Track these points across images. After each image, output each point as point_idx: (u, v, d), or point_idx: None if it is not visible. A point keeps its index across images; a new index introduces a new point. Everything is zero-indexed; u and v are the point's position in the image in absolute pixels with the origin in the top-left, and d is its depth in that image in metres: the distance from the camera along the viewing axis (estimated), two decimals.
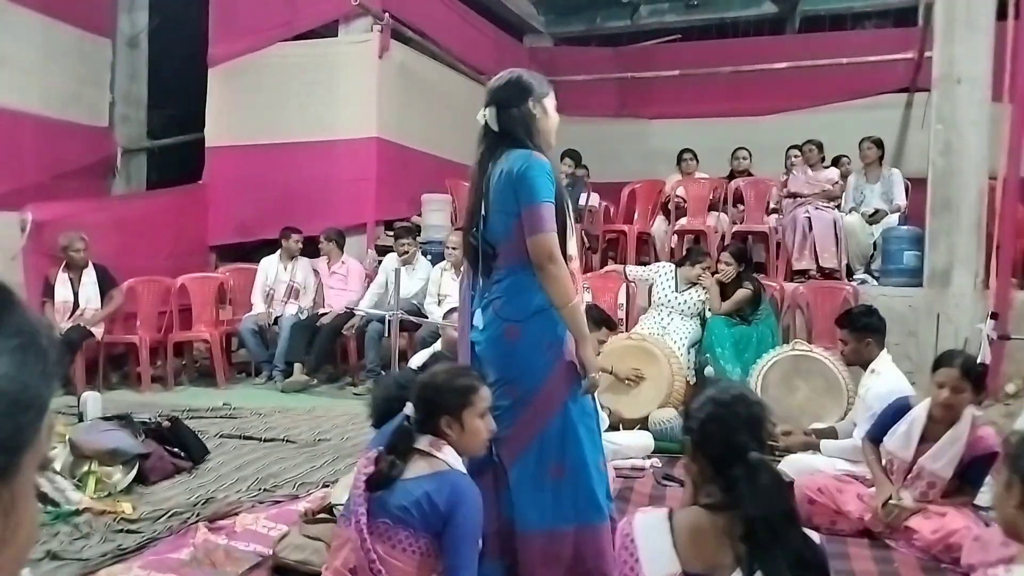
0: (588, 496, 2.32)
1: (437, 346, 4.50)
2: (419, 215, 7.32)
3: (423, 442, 2.10)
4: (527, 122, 2.35)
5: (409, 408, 2.14)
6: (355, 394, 5.77)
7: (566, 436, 2.30)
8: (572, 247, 2.38)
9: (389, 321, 4.13)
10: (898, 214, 6.27)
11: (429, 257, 6.44)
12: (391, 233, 6.75)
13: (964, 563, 2.71)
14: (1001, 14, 5.26)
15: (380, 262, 6.51)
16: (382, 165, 7.16)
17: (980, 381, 3.17)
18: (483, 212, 2.36)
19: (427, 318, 5.56)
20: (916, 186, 6.35)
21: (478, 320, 2.39)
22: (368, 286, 6.33)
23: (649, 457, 4.28)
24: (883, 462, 3.23)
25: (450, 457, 2.09)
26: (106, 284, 5.86)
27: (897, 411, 3.22)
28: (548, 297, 2.25)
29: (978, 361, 3.45)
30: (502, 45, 9.39)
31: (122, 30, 8.01)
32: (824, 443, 3.76)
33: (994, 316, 4.46)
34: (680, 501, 2.18)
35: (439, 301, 5.79)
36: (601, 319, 4.31)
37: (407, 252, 6.13)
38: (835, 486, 3.26)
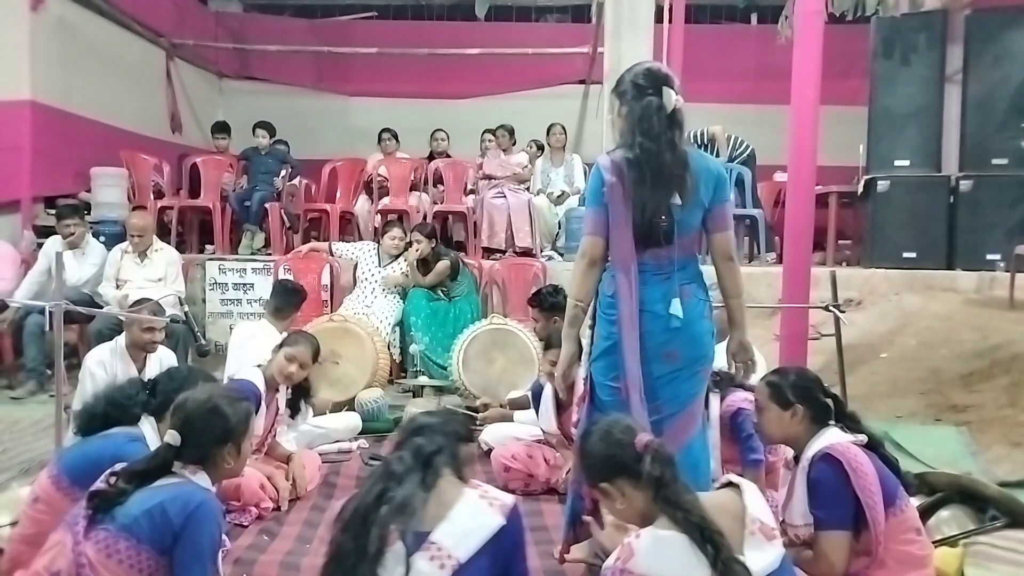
0: None
1: (120, 341, 3.99)
2: (88, 191, 6.49)
3: (177, 467, 1.97)
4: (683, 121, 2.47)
5: (172, 436, 1.96)
6: (13, 398, 4.97)
7: None
8: None
9: (51, 313, 3.56)
10: (578, 195, 6.87)
11: (102, 239, 5.72)
12: (53, 212, 5.89)
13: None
14: (658, 18, 5.97)
15: (40, 245, 5.65)
16: (39, 133, 6.21)
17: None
18: (677, 199, 2.39)
19: (102, 308, 4.94)
20: None
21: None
22: (25, 273, 5.45)
23: (356, 439, 4.25)
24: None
25: (202, 481, 1.98)
26: None
27: (535, 393, 3.61)
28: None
29: None
30: (183, 6, 8.67)
31: None
32: (517, 414, 4.09)
33: None
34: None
35: (117, 285, 5.18)
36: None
37: (73, 233, 5.37)
38: (526, 452, 3.53)
